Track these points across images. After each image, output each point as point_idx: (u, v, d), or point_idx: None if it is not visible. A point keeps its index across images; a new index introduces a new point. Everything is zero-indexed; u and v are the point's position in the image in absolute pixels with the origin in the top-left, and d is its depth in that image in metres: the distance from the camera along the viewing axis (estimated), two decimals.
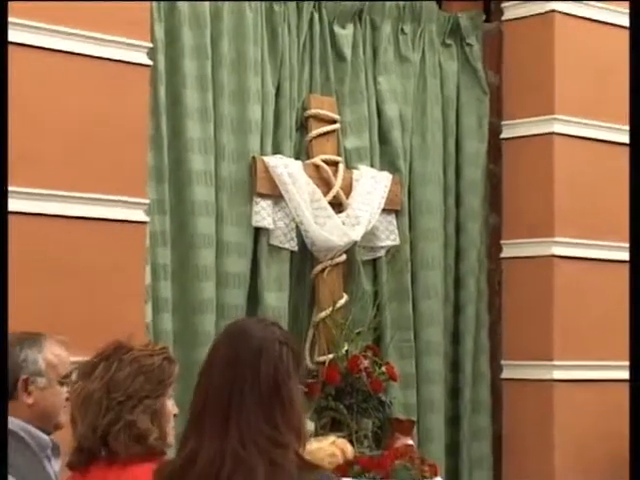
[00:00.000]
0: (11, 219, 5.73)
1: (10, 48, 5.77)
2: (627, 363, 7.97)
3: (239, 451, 3.30)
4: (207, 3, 6.82)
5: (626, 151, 8.12)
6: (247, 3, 6.96)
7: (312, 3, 7.26)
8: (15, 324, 4.63)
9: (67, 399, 4.31)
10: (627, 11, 8.15)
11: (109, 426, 3.78)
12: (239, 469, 3.27)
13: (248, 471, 3.26)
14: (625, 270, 8.09)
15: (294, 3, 7.20)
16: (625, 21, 8.17)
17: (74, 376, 4.15)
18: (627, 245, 8.08)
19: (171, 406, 3.96)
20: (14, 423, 4.31)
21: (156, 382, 3.90)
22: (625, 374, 7.95)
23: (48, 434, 4.39)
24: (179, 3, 6.70)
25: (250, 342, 3.50)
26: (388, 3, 7.61)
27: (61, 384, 4.38)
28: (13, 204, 5.79)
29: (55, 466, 4.38)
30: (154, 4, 6.53)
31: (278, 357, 3.48)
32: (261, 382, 3.41)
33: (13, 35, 5.82)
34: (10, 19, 5.81)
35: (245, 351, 3.48)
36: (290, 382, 3.48)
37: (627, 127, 8.12)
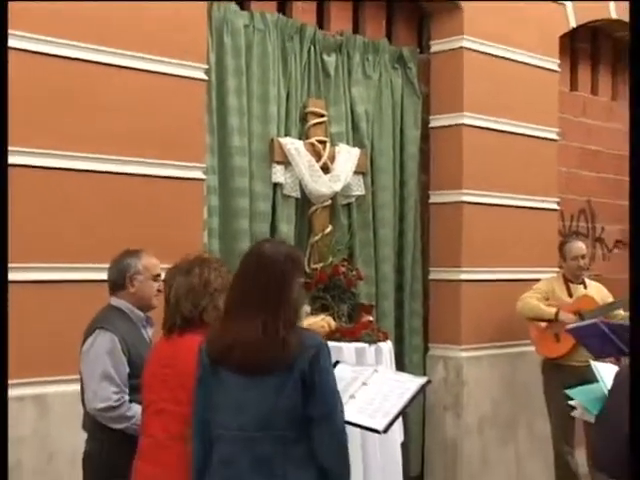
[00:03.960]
0: (116, 178, 5.79)
1: (120, 71, 5.88)
2: (509, 268, 8.02)
3: (264, 329, 3.45)
4: (243, 39, 6.77)
5: (510, 136, 8.14)
6: (269, 40, 6.91)
7: (309, 38, 7.20)
8: (122, 245, 4.73)
9: (158, 290, 4.51)
10: (513, 49, 8.16)
11: (206, 306, 3.95)
12: (263, 340, 3.44)
13: (268, 339, 3.43)
14: (512, 212, 8.12)
15: (298, 40, 7.15)
16: (510, 54, 8.16)
17: (163, 275, 4.26)
18: (507, 194, 8.10)
19: None
20: (122, 304, 4.54)
21: (226, 281, 4.01)
22: (506, 276, 8.00)
23: (143, 312, 4.55)
24: (225, 38, 6.66)
25: (265, 259, 3.59)
26: (358, 41, 7.56)
27: (153, 280, 4.54)
28: (119, 168, 5.84)
29: (149, 332, 4.55)
30: (208, 39, 6.50)
31: (282, 270, 3.57)
32: (269, 288, 3.52)
33: (122, 61, 5.89)
34: (118, 50, 5.83)
35: (260, 266, 3.57)
36: (292, 282, 3.57)
37: (514, 120, 8.14)
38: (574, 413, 4.41)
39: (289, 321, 3.51)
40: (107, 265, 4.67)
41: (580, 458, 7.73)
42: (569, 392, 4.40)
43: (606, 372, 4.39)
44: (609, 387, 4.05)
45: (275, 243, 3.80)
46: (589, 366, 4.72)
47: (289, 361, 3.42)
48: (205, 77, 6.36)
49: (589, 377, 4.52)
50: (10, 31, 5.11)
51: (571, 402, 4.38)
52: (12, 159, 5.11)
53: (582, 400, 4.29)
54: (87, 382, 4.37)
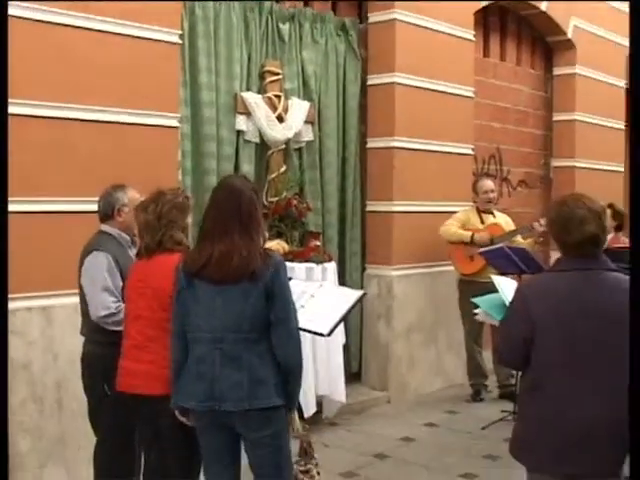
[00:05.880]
0: (105, 126, 5.70)
1: (110, 36, 5.72)
2: (433, 202, 8.02)
3: (236, 246, 3.44)
4: (212, 10, 6.61)
5: (434, 93, 8.09)
6: (233, 11, 6.75)
7: (267, 10, 7.05)
8: (110, 181, 4.71)
9: None
10: (437, 21, 8.08)
11: (162, 237, 3.88)
12: (235, 255, 3.42)
13: (239, 254, 3.42)
14: (435, 156, 8.11)
15: (258, 11, 6.98)
16: (434, 26, 8.09)
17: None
18: (431, 141, 8.07)
19: (189, 222, 4.03)
20: (113, 230, 4.51)
21: (182, 211, 3.99)
22: (429, 208, 8.01)
23: (129, 236, 4.51)
24: (196, 9, 6.50)
25: (234, 190, 3.56)
26: (308, 12, 7.41)
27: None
28: (107, 117, 5.73)
29: (133, 251, 4.39)
30: (182, 10, 6.34)
31: (250, 198, 3.54)
32: (242, 214, 3.48)
33: (112, 28, 5.74)
34: (108, 19, 5.69)
35: (233, 196, 3.52)
36: (258, 212, 3.56)
37: (437, 80, 8.09)
38: (477, 317, 4.47)
39: (258, 240, 3.52)
40: (96, 198, 4.62)
41: (487, 356, 7.84)
42: (475, 300, 4.45)
43: (504, 284, 4.47)
44: (506, 295, 4.13)
45: (240, 178, 3.78)
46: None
47: (255, 273, 3.43)
48: (179, 41, 6.20)
49: (493, 290, 4.57)
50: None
51: (476, 310, 4.43)
52: (19, 110, 5.10)
53: (484, 306, 4.34)
54: (90, 295, 4.35)
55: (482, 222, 7.73)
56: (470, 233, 7.58)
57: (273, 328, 3.47)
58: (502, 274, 7.03)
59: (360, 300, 4.74)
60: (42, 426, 5.33)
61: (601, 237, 3.35)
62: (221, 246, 3.46)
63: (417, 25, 7.99)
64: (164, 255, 3.86)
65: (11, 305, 4.48)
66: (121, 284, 4.31)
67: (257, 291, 3.43)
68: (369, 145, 7.95)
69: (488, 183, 7.87)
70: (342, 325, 6.25)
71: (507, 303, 4.16)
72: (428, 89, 8.09)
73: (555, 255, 3.50)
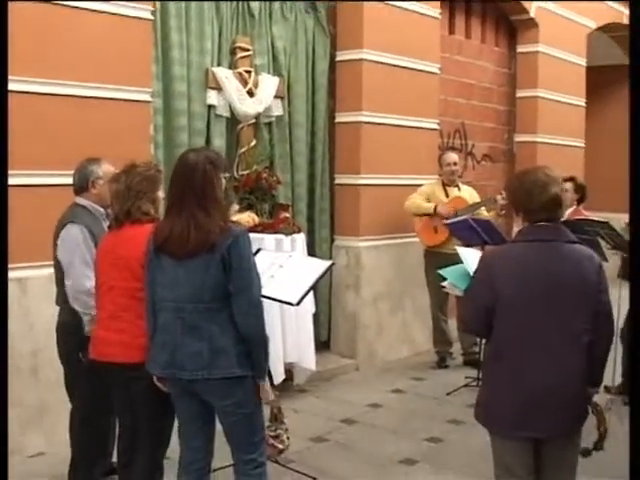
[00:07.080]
0: (79, 100, 5.62)
1: (86, 13, 5.61)
2: (399, 175, 8.00)
3: (191, 221, 3.42)
4: None
5: (401, 69, 8.06)
6: None
7: None
8: (85, 155, 4.67)
9: None
10: None
11: (130, 207, 3.85)
12: (191, 232, 3.42)
13: (195, 231, 3.41)
14: (402, 130, 8.07)
15: None
16: (402, 4, 8.04)
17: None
18: (398, 116, 8.03)
19: (161, 195, 3.95)
20: (86, 202, 4.47)
21: (152, 183, 3.96)
22: (396, 181, 7.98)
23: (103, 208, 4.44)
24: None
25: (188, 165, 3.52)
26: None
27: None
28: (82, 92, 5.65)
29: (106, 223, 4.36)
30: None
31: (204, 172, 3.48)
32: (196, 188, 3.45)
33: (89, 4, 5.64)
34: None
35: (186, 171, 3.49)
36: (213, 181, 3.48)
37: (404, 57, 8.04)
38: (445, 289, 4.48)
39: (215, 213, 3.46)
40: (71, 172, 4.58)
41: (452, 324, 7.89)
42: (441, 271, 4.46)
43: (468, 255, 4.48)
44: (470, 266, 4.14)
45: (197, 151, 3.70)
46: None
47: (210, 246, 3.41)
48: (152, 17, 6.09)
49: (458, 260, 4.58)
50: None
51: (443, 283, 4.44)
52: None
53: (451, 278, 4.35)
54: (69, 268, 4.29)
55: (447, 195, 7.72)
56: (433, 205, 7.57)
57: (233, 298, 3.42)
58: (466, 246, 7.07)
59: (328, 270, 4.74)
60: (21, 394, 5.29)
61: (562, 198, 3.44)
62: (179, 222, 3.45)
63: (386, 3, 7.93)
64: (134, 226, 3.84)
65: None
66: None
67: (215, 262, 3.40)
68: (337, 120, 7.90)
69: (452, 156, 7.86)
70: (312, 295, 6.25)
71: (471, 273, 4.18)
72: (395, 65, 8.04)
73: (518, 228, 3.52)
